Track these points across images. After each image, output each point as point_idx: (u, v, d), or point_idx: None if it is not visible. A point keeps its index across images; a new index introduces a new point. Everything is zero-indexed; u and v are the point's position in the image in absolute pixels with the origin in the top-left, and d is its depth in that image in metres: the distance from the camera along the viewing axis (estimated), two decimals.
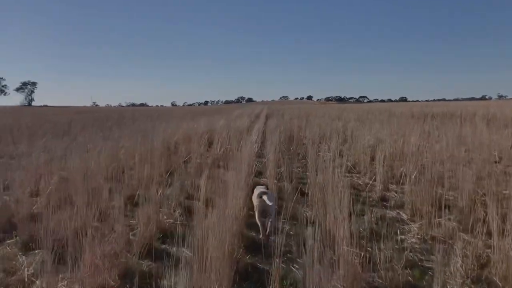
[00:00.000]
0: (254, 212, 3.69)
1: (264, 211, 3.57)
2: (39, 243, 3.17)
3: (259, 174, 6.29)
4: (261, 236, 3.62)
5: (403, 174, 5.28)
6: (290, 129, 12.53)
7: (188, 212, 4.25)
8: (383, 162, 5.74)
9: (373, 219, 4.09)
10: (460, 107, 26.60)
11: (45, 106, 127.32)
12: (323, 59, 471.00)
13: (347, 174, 5.92)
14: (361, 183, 5.74)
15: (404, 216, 4.27)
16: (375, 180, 5.48)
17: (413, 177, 4.67)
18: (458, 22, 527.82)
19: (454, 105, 35.28)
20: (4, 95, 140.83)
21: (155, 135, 8.82)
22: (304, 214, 4.03)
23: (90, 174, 5.07)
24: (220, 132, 9.99)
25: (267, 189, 4.03)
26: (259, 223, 3.63)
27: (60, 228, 3.27)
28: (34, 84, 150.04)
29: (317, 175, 4.84)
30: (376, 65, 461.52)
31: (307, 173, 5.82)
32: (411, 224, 4.00)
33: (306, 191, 4.99)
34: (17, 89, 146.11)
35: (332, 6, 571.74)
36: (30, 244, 3.39)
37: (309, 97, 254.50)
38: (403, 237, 3.69)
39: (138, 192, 4.64)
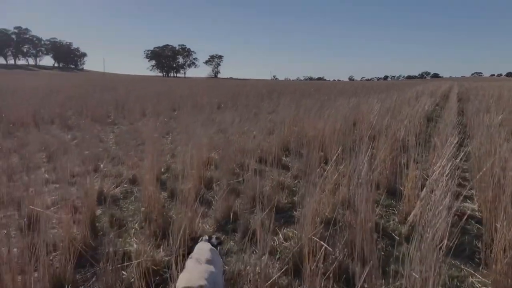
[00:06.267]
0: None
1: None
2: None
3: None
4: None
5: None
6: None
7: None
8: None
9: None
10: None
11: (231, 78, 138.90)
12: None
13: None
14: None
15: None
16: None
17: None
18: None
19: None
20: (195, 67, 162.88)
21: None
22: None
23: None
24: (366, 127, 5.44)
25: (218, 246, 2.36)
26: None
27: None
28: (220, 57, 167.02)
29: None
30: None
31: None
32: None
33: None
34: (206, 62, 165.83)
35: None
36: None
37: (509, 74, 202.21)
38: None
39: None
